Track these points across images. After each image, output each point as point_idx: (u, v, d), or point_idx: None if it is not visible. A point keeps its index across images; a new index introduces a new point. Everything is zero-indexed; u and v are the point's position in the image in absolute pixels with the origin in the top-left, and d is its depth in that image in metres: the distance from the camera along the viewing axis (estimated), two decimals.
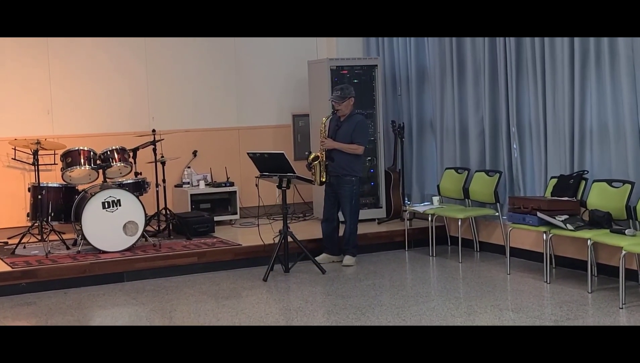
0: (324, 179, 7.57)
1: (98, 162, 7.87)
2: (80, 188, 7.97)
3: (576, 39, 6.94)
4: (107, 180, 7.88)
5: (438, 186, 8.52)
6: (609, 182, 6.65)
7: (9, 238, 8.11)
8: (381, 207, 9.14)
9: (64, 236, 7.87)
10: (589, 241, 6.35)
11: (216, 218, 8.81)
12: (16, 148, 8.16)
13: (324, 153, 7.55)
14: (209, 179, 9.36)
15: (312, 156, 7.59)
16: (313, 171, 7.55)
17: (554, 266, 7.21)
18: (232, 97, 9.67)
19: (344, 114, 7.58)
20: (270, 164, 7.37)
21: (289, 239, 7.39)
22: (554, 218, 6.58)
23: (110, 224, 7.51)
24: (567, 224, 6.50)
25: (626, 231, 6.18)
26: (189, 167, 9.38)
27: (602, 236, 6.29)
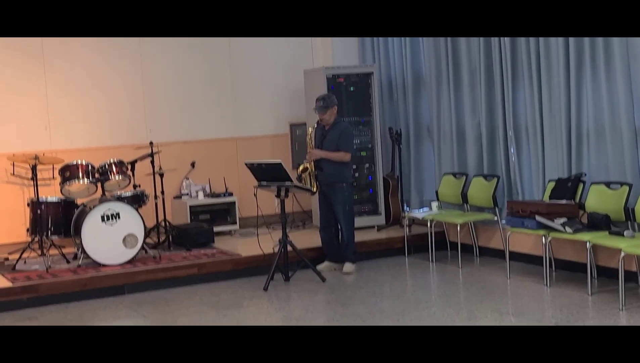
0: (314, 189, 7.60)
1: (96, 175, 7.88)
2: (79, 201, 7.97)
3: (571, 41, 6.96)
4: (106, 193, 7.89)
5: (436, 192, 8.53)
6: (607, 184, 6.66)
7: (9, 254, 8.11)
8: (380, 214, 9.15)
9: (64, 251, 7.87)
10: (588, 243, 6.36)
11: (215, 229, 8.81)
12: (15, 164, 8.16)
13: (312, 163, 7.58)
14: (208, 190, 9.37)
15: (301, 168, 7.64)
16: (304, 182, 7.57)
17: (553, 269, 7.22)
18: (229, 107, 9.68)
19: (328, 123, 7.61)
20: (268, 174, 7.38)
21: (289, 248, 7.39)
22: (553, 221, 6.59)
23: (110, 238, 7.52)
24: (566, 227, 6.51)
25: (625, 233, 6.19)
26: (187, 178, 9.39)
27: (601, 238, 6.30)
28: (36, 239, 7.79)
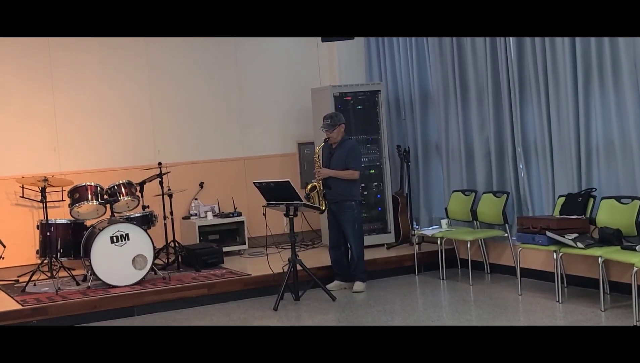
0: (323, 208, 7.59)
1: (105, 197, 7.89)
2: (88, 223, 7.98)
3: (578, 55, 6.95)
4: (115, 215, 7.89)
5: (446, 209, 8.50)
6: (618, 199, 6.63)
7: (19, 276, 8.11)
8: (389, 232, 9.12)
9: (74, 272, 7.87)
10: (599, 258, 6.32)
11: (225, 249, 8.80)
12: (24, 186, 8.19)
13: (320, 181, 7.57)
14: (217, 210, 9.36)
15: (309, 186, 7.63)
16: (312, 201, 7.56)
17: (565, 285, 7.17)
18: (236, 127, 9.70)
19: (336, 141, 7.61)
20: (276, 193, 7.38)
21: (298, 267, 7.37)
22: (564, 237, 6.55)
23: (119, 259, 7.51)
24: (577, 243, 6.47)
25: (637, 248, 6.14)
26: (196, 199, 9.39)
27: (613, 253, 6.26)
28: (46, 261, 7.79)
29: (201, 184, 9.45)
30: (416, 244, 8.45)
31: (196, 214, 9.29)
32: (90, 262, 7.46)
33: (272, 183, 7.48)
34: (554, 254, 6.70)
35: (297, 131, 9.87)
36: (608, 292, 6.72)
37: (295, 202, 7.27)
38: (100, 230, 7.49)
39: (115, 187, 7.97)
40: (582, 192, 6.95)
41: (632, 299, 5.91)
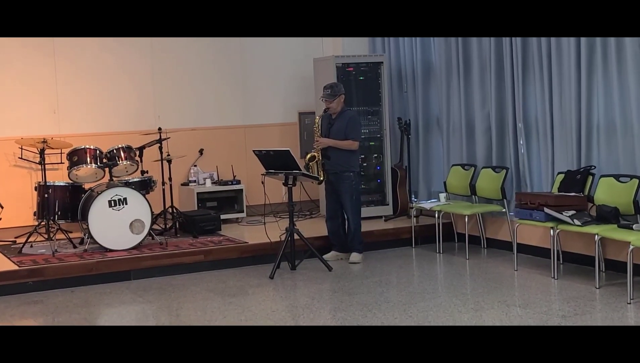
0: (322, 178, 7.58)
1: (104, 160, 7.88)
2: (86, 186, 7.97)
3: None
4: (114, 179, 7.88)
5: (445, 183, 8.49)
6: (617, 177, 6.62)
7: (16, 237, 8.13)
8: (388, 204, 9.12)
9: (71, 235, 7.88)
10: (596, 236, 6.32)
11: (222, 216, 8.81)
12: (23, 147, 8.17)
13: (319, 152, 7.55)
14: (216, 178, 9.36)
15: (308, 156, 7.61)
16: (311, 171, 7.55)
17: (561, 262, 7.19)
18: (238, 95, 9.66)
19: (336, 112, 7.58)
20: (276, 162, 7.37)
21: (296, 236, 7.38)
22: (561, 214, 6.56)
23: (117, 223, 7.51)
24: (575, 220, 6.47)
25: (634, 226, 6.14)
26: (195, 165, 9.38)
27: (610, 231, 6.26)
28: (43, 223, 7.80)
29: (201, 151, 9.44)
30: (414, 217, 8.46)
31: (195, 181, 9.29)
32: (87, 225, 7.47)
33: (272, 151, 7.47)
34: (551, 230, 6.71)
35: (298, 100, 9.83)
36: (603, 270, 6.74)
37: (294, 171, 7.26)
38: (99, 194, 7.49)
39: (115, 151, 7.96)
40: (582, 169, 6.94)
41: (627, 277, 5.92)
